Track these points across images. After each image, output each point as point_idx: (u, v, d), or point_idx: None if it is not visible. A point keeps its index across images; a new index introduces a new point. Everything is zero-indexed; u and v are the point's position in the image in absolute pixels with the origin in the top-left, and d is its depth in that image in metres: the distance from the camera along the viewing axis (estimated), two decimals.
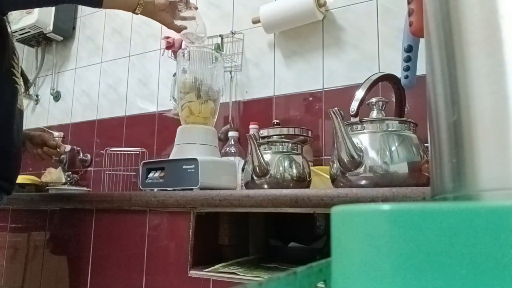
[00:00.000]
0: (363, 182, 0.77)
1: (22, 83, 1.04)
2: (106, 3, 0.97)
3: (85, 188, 1.68)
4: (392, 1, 1.30)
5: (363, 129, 0.81)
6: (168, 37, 1.61)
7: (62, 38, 2.07)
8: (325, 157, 1.32)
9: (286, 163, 0.97)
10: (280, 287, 0.22)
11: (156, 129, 1.73)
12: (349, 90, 1.29)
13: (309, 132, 1.23)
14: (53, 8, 1.97)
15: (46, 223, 1.20)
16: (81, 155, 1.88)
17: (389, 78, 0.94)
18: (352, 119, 0.82)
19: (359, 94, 0.83)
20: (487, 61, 0.30)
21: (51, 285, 1.15)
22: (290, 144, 1.00)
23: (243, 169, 1.05)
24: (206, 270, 0.90)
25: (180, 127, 1.19)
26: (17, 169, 1.05)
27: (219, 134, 1.41)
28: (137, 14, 1.03)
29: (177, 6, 1.09)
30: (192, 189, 0.99)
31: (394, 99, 1.01)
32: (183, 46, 1.58)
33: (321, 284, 0.26)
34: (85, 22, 2.10)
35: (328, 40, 1.40)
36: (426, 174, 0.77)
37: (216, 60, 1.31)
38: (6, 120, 0.98)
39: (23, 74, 1.08)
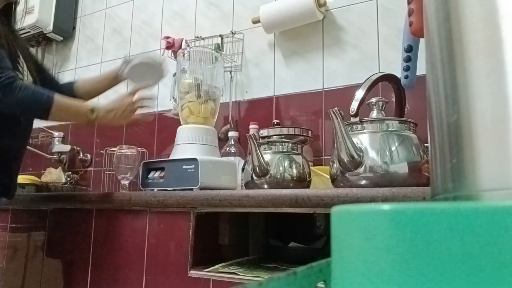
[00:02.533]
0: (363, 182, 0.77)
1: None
2: (52, 116, 0.97)
3: (85, 188, 1.67)
4: (392, 1, 1.30)
5: (363, 129, 0.81)
6: (168, 37, 1.61)
7: (62, 38, 2.07)
8: (325, 157, 1.32)
9: (286, 163, 0.97)
10: (280, 287, 0.22)
11: (156, 129, 1.73)
12: (349, 90, 1.29)
13: (309, 132, 1.23)
14: (53, 8, 1.97)
15: (46, 223, 1.20)
16: (81, 155, 1.88)
17: (389, 78, 0.94)
18: (352, 119, 0.82)
19: (359, 94, 0.83)
20: (487, 61, 0.30)
21: (51, 285, 1.15)
22: (290, 144, 1.00)
23: (243, 169, 1.05)
24: (206, 270, 0.90)
25: (180, 127, 1.19)
26: (17, 177, 1.07)
27: (219, 134, 1.41)
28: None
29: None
30: (192, 189, 0.99)
31: (394, 99, 1.01)
32: (183, 46, 1.58)
33: (321, 284, 0.26)
34: (85, 22, 2.09)
35: (328, 40, 1.40)
36: (426, 174, 0.77)
37: (216, 60, 1.31)
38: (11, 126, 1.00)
39: (34, 70, 1.09)
